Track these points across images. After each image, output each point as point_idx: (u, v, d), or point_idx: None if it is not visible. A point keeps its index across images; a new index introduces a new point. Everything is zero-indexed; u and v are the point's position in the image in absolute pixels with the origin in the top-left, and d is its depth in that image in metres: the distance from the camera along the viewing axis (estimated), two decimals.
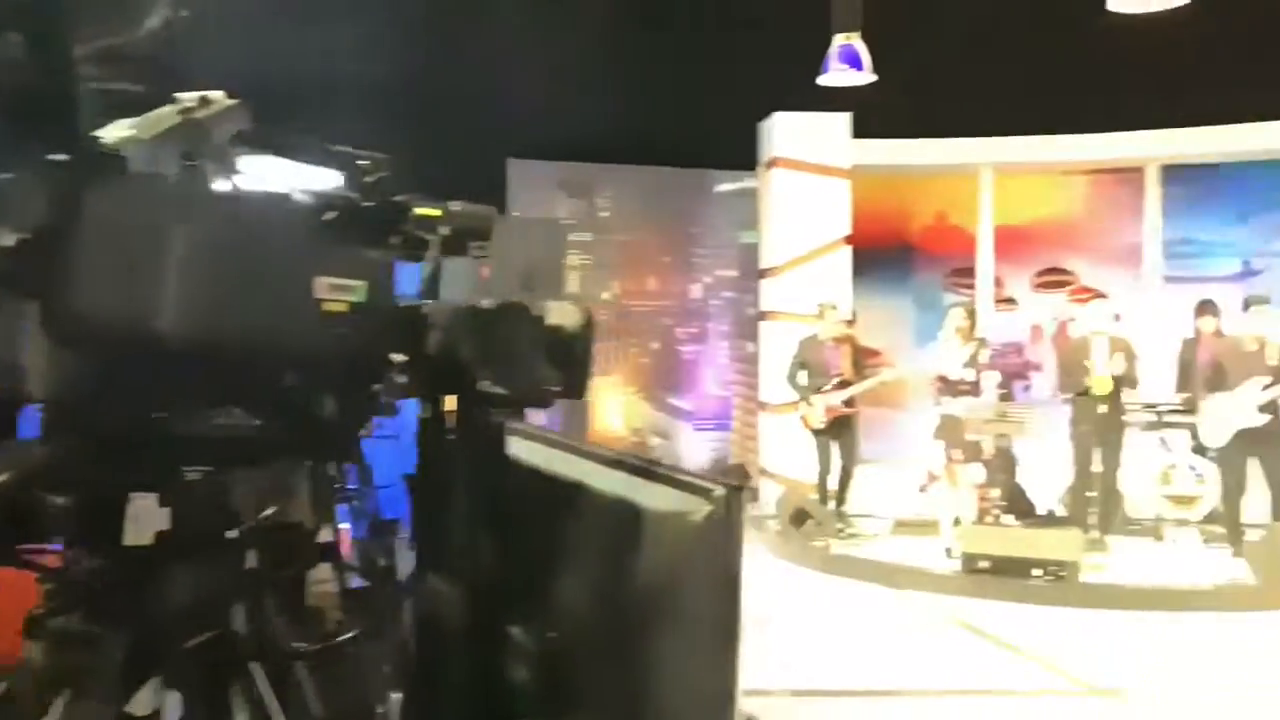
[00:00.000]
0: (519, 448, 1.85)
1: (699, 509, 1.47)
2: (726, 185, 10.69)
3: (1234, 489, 7.08)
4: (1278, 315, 7.12)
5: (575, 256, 10.39)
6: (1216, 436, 7.03)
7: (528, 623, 1.75)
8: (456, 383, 1.54)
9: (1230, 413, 6.95)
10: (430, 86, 9.04)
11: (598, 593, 1.63)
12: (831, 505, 8.14)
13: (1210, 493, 7.23)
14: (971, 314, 7.61)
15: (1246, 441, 6.93)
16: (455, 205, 1.66)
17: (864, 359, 8.44)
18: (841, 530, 8.00)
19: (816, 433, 8.20)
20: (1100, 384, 7.18)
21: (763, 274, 9.60)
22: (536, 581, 1.75)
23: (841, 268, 9.17)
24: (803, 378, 8.22)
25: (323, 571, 1.56)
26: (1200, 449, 7.59)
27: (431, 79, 9.02)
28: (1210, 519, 7.46)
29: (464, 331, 1.53)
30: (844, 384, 8.12)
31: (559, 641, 1.68)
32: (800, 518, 7.80)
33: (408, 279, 1.62)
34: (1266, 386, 6.92)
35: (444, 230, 1.62)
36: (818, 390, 8.10)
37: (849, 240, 9.21)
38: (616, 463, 1.70)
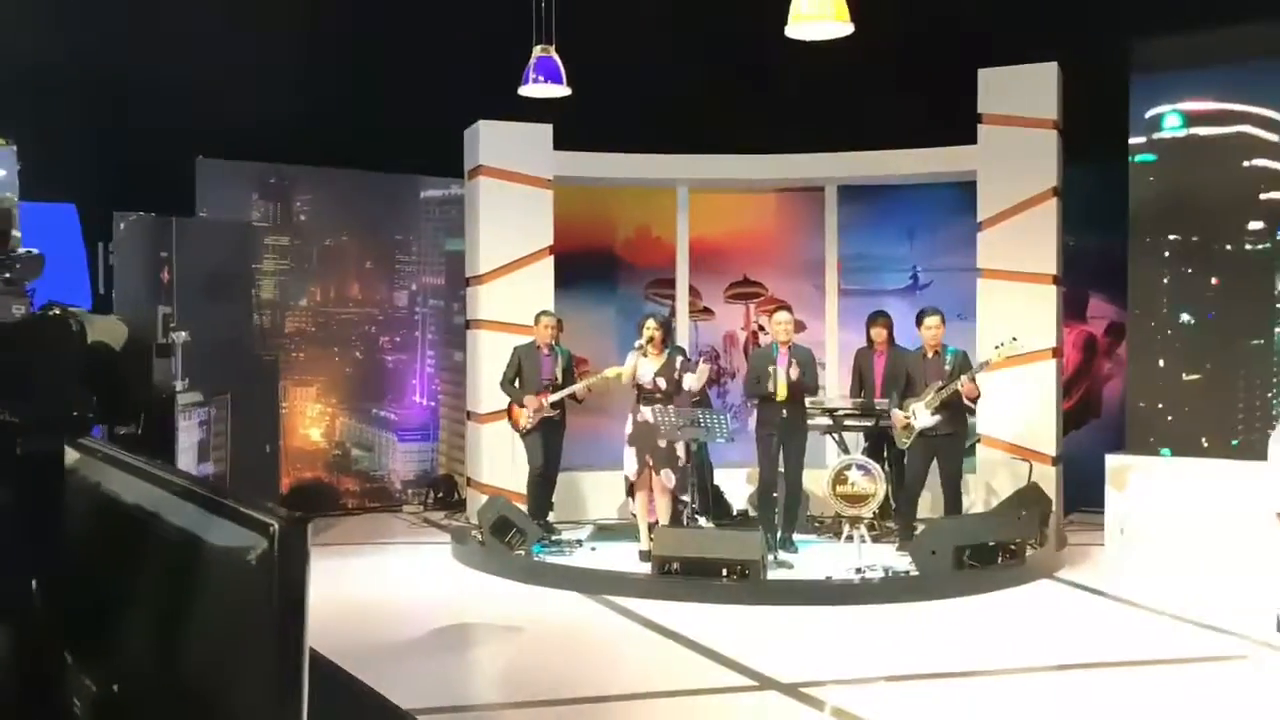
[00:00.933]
0: (91, 474, 1.62)
1: (257, 545, 1.30)
2: (433, 191, 10.47)
3: (913, 486, 7.85)
4: (949, 325, 7.96)
5: (270, 261, 9.90)
6: (903, 438, 7.75)
7: (89, 669, 1.52)
8: None
9: (914, 415, 7.65)
10: (114, 79, 8.33)
11: (159, 637, 1.43)
12: (537, 514, 8.23)
13: (881, 491, 7.75)
14: (664, 324, 7.75)
15: (926, 442, 7.65)
16: None
17: (574, 366, 8.66)
18: (544, 538, 8.02)
19: (524, 434, 8.30)
20: (781, 389, 7.49)
21: (470, 282, 9.50)
22: (100, 624, 1.53)
23: (545, 277, 9.18)
24: (517, 384, 8.29)
25: None
26: (874, 450, 8.35)
27: (116, 71, 8.32)
28: (885, 515, 8.19)
29: None
30: (554, 388, 8.23)
31: (121, 692, 1.47)
32: (503, 527, 7.71)
33: None
34: (938, 390, 7.54)
35: None
36: (533, 392, 8.17)
37: (552, 250, 9.18)
38: (187, 493, 1.49)
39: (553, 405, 8.28)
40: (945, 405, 7.60)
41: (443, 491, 10.28)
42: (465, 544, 8.05)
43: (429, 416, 10.57)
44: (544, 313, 8.50)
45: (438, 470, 10.52)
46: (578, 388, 8.31)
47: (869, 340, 8.80)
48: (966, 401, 7.66)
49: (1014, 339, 7.56)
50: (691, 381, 7.62)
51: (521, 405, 8.28)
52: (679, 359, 7.82)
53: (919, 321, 7.88)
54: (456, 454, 10.31)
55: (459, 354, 10.10)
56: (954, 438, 7.74)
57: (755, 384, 7.78)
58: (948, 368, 7.67)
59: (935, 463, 7.74)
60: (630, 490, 7.79)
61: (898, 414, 7.80)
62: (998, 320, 8.47)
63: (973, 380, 7.52)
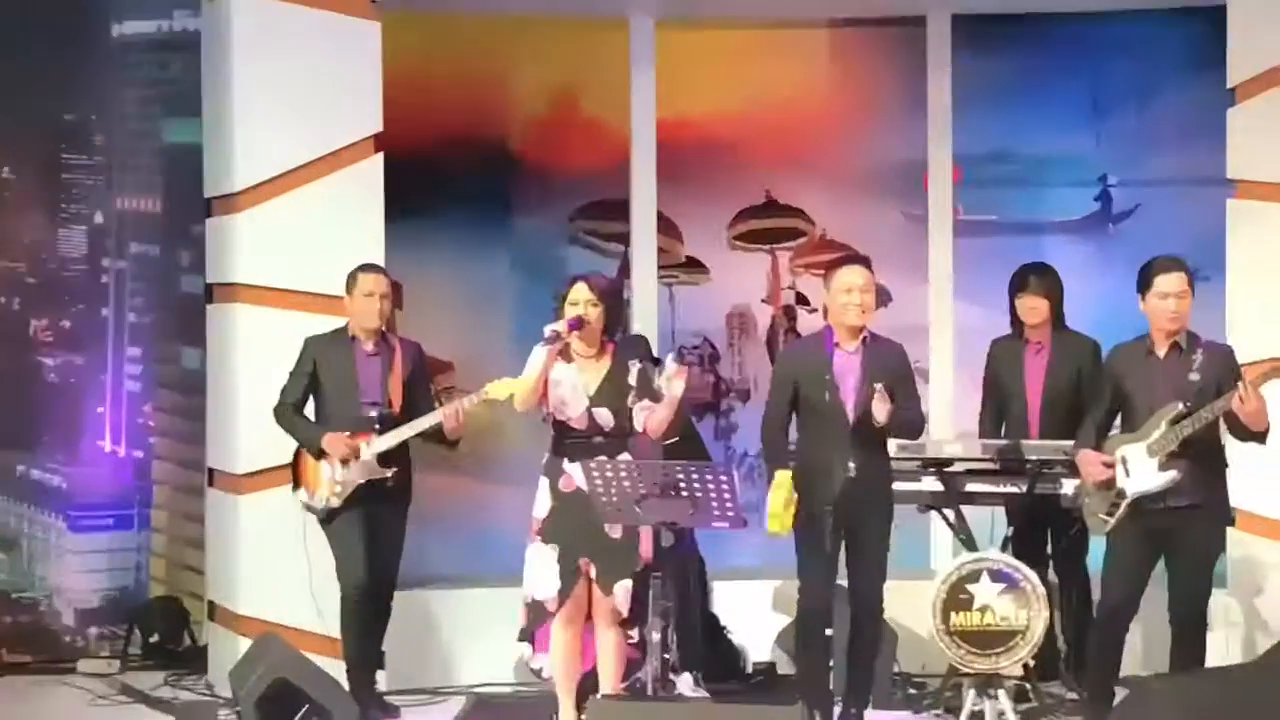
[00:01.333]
0: None
1: None
2: (138, 26, 10.50)
3: (1116, 613, 7.93)
4: None
5: None
6: (1100, 512, 7.93)
7: None
8: None
9: (1125, 468, 7.79)
10: None
11: None
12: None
13: (1041, 622, 7.87)
14: (606, 294, 7.71)
15: (1146, 524, 7.76)
16: None
17: (429, 379, 8.85)
18: None
19: (327, 516, 8.37)
20: (843, 424, 7.65)
21: (213, 209, 9.52)
22: None
23: (365, 199, 9.20)
24: (310, 414, 8.47)
25: None
26: (1028, 541, 8.58)
27: None
28: (1047, 673, 8.49)
29: None
30: (386, 422, 8.29)
31: None
32: (283, 705, 7.75)
33: None
34: (1176, 419, 7.62)
35: None
36: (346, 429, 8.29)
37: (379, 144, 9.26)
38: None
39: (382, 458, 8.26)
40: (1189, 447, 7.52)
41: (159, 632, 10.20)
42: None
43: (130, 481, 10.55)
44: (367, 269, 8.47)
45: (147, 590, 10.48)
46: (433, 420, 8.29)
47: (1015, 323, 8.88)
48: (1231, 435, 7.62)
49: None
50: (658, 413, 7.59)
51: (321, 456, 8.24)
52: (636, 367, 7.79)
53: (1143, 282, 7.82)
54: (185, 556, 10.31)
55: (190, 353, 10.08)
56: (1202, 514, 7.68)
57: (789, 418, 7.82)
58: (1194, 376, 7.58)
59: (1164, 565, 7.73)
60: (534, 628, 7.76)
61: (1091, 458, 7.77)
62: (1264, 279, 8.64)
63: (1256, 391, 7.42)
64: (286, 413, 8.44)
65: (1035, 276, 8.80)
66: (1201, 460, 7.57)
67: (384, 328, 8.45)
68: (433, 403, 8.54)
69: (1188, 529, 7.61)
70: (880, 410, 7.56)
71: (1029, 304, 8.74)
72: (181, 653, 10.02)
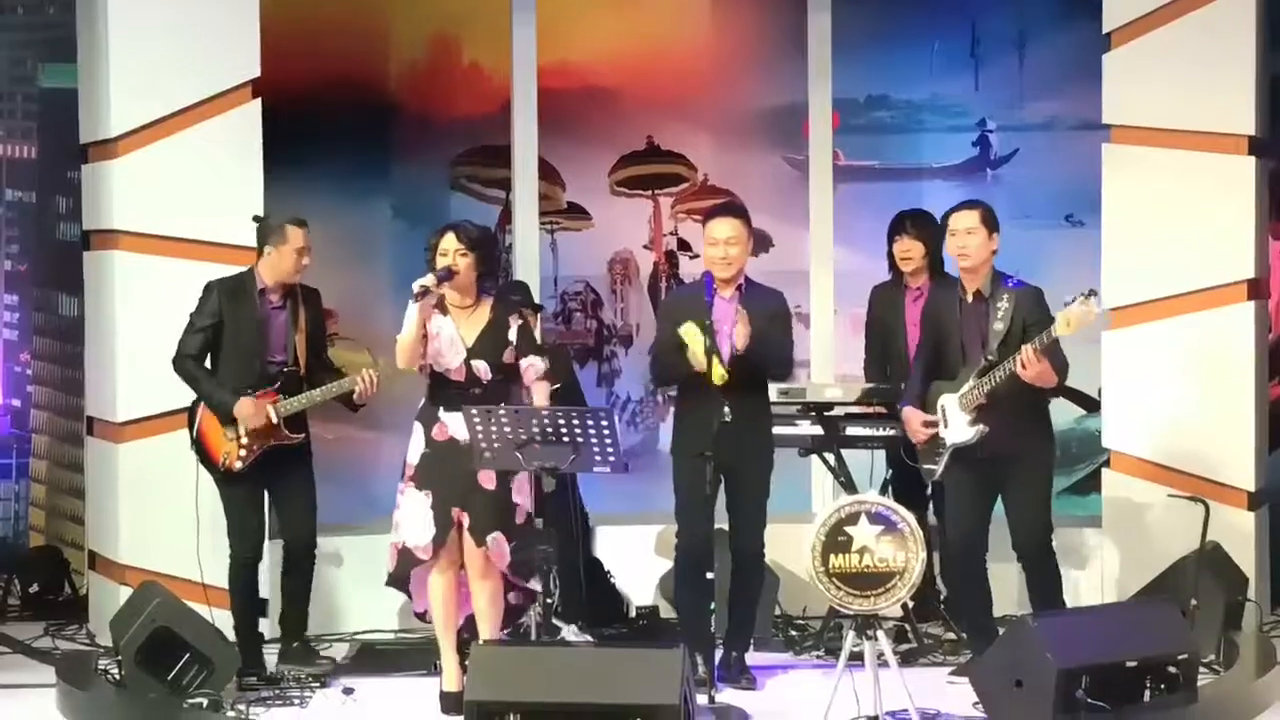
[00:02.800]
0: None
1: None
2: None
3: (967, 555, 8.10)
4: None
5: None
6: (929, 460, 8.18)
7: None
8: None
9: (943, 418, 7.91)
10: None
11: None
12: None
13: (918, 564, 7.86)
14: (479, 242, 7.64)
15: (972, 471, 7.95)
16: None
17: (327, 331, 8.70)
18: (254, 675, 8.11)
19: (228, 480, 8.22)
20: (718, 370, 7.74)
21: (89, 154, 9.43)
22: None
23: (243, 142, 9.09)
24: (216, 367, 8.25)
25: None
26: (908, 484, 8.66)
27: None
28: (927, 613, 8.65)
29: None
30: (289, 382, 8.20)
31: None
32: (164, 652, 7.70)
33: None
34: (981, 372, 7.68)
35: None
36: (246, 391, 8.11)
37: (258, 89, 9.14)
38: None
39: (289, 422, 8.15)
40: (999, 399, 7.64)
41: (38, 582, 10.18)
42: (87, 688, 7.98)
43: (7, 430, 10.60)
44: (297, 223, 8.19)
45: (26, 539, 10.46)
46: (344, 388, 8.16)
47: (893, 268, 8.97)
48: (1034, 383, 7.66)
49: (1090, 293, 7.59)
50: (535, 364, 7.65)
51: (229, 420, 8.10)
52: (518, 322, 7.78)
53: (944, 223, 8.03)
54: (65, 505, 10.27)
55: (68, 300, 10.03)
56: (1025, 462, 7.81)
57: (670, 359, 7.82)
58: (999, 325, 7.68)
59: (1003, 504, 7.89)
60: (403, 574, 7.74)
61: (913, 417, 7.90)
62: (1138, 224, 8.71)
63: (1039, 351, 7.49)
64: (190, 367, 8.16)
65: (910, 221, 8.86)
66: (1017, 409, 7.67)
67: (299, 277, 8.24)
68: (330, 359, 8.43)
69: (1011, 474, 7.77)
70: (741, 338, 7.62)
71: (903, 248, 8.79)
72: (61, 602, 9.98)
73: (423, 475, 7.60)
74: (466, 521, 7.56)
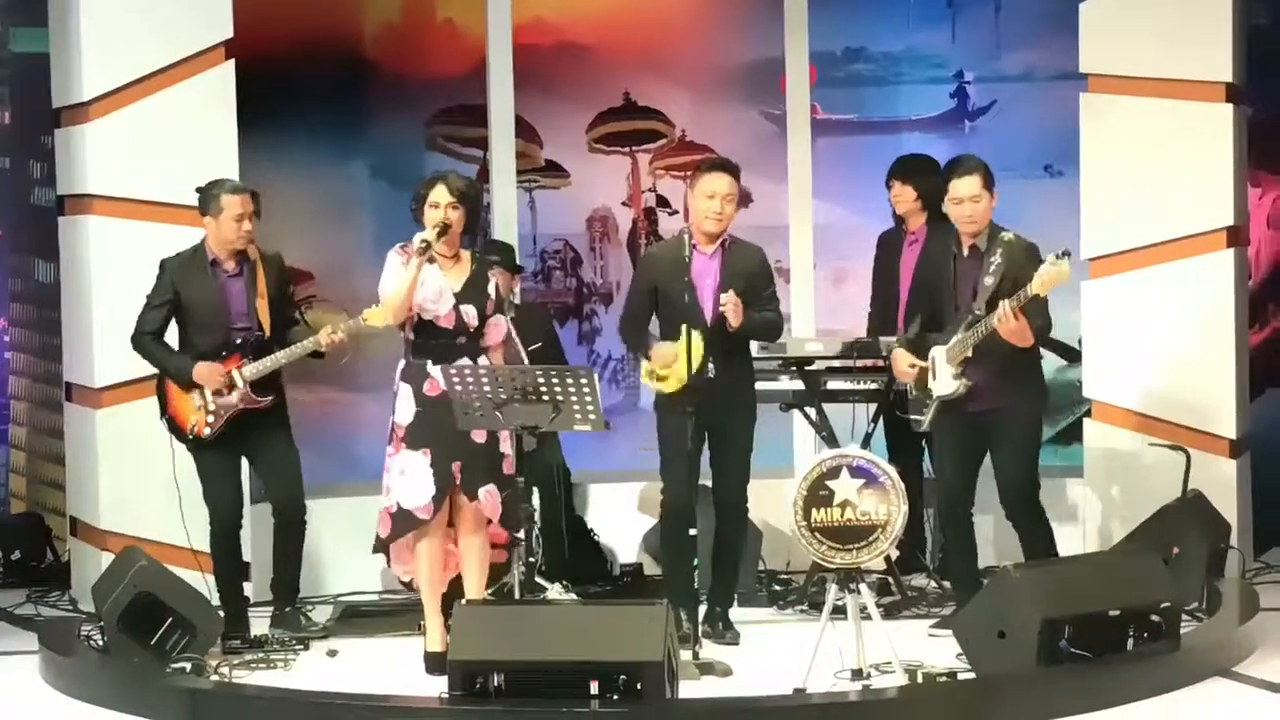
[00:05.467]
0: None
1: None
2: None
3: (954, 507, 8.21)
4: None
5: None
6: (919, 408, 8.23)
7: None
8: None
9: (933, 369, 7.96)
10: None
11: None
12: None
13: (899, 517, 7.89)
14: (464, 195, 7.64)
15: (960, 421, 8.01)
16: None
17: (294, 296, 8.72)
18: (238, 638, 8.13)
19: (200, 447, 8.21)
20: (696, 338, 7.77)
21: (62, 119, 9.39)
22: None
23: (217, 106, 9.08)
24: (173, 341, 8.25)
25: None
26: (898, 438, 8.80)
27: None
28: (910, 564, 8.79)
29: None
30: (254, 347, 8.16)
31: None
32: (147, 617, 7.68)
33: None
34: (968, 326, 7.74)
35: None
36: (215, 355, 8.10)
37: (230, 50, 9.11)
38: None
39: (256, 385, 8.11)
40: (986, 353, 7.67)
41: (20, 549, 10.17)
42: (70, 654, 7.98)
43: None
44: (231, 190, 8.17)
45: (7, 506, 10.49)
46: (307, 347, 8.13)
47: (895, 214, 9.07)
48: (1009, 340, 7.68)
49: (1065, 254, 7.59)
50: (500, 324, 7.71)
51: (191, 388, 8.09)
52: (492, 274, 7.81)
53: (946, 180, 7.99)
54: (45, 472, 10.25)
55: (44, 266, 10.02)
56: (1012, 418, 7.84)
57: (645, 317, 7.92)
58: (989, 279, 7.68)
59: (990, 460, 7.91)
60: (397, 537, 7.69)
61: (900, 359, 7.94)
62: (1117, 174, 8.74)
63: (1016, 311, 7.51)
64: (146, 343, 8.18)
65: (898, 167, 8.97)
66: (1005, 364, 7.69)
67: (247, 240, 8.19)
68: (298, 317, 8.44)
69: (998, 429, 7.80)
70: (734, 317, 7.65)
71: (895, 194, 8.91)
72: (44, 569, 9.99)
73: (417, 434, 7.58)
74: (457, 477, 7.56)
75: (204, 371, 8.04)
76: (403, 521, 7.62)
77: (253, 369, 8.09)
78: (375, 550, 7.84)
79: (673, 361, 7.70)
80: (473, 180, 8.22)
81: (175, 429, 8.23)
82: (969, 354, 7.64)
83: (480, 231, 9.10)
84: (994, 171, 7.73)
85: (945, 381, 7.74)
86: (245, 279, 8.21)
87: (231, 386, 8.07)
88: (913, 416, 8.01)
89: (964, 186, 7.76)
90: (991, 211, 7.77)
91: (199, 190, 8.24)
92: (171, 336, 8.25)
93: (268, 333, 8.18)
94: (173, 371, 8.13)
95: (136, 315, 8.24)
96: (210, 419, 8.11)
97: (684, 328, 7.57)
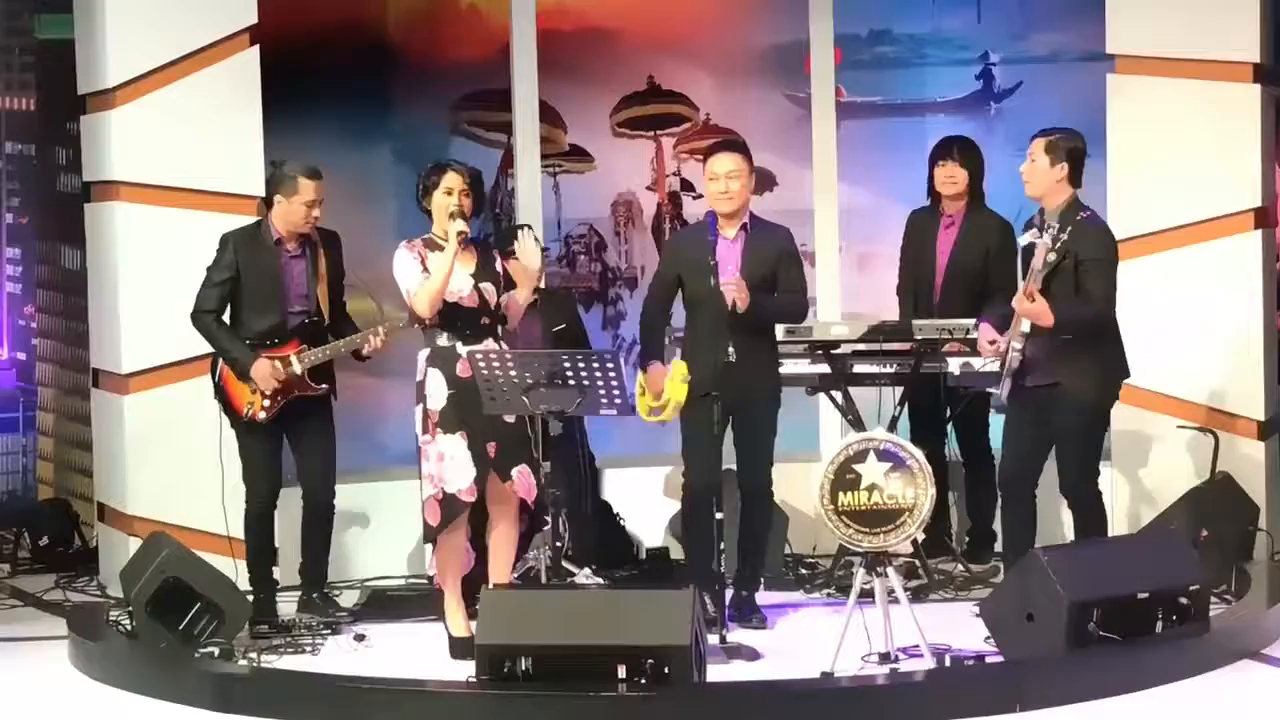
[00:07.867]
0: None
1: None
2: None
3: (1014, 484, 8.18)
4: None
5: None
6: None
7: None
8: None
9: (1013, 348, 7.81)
10: None
11: None
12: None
13: (927, 500, 7.87)
14: (475, 177, 7.77)
15: (1024, 400, 8.02)
16: None
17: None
18: (267, 623, 8.15)
19: (250, 428, 8.20)
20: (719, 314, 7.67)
21: (89, 104, 9.37)
22: None
23: (242, 90, 9.10)
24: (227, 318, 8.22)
25: None
26: (925, 418, 8.80)
27: None
28: (936, 548, 8.70)
29: None
30: (315, 327, 8.16)
31: None
32: (175, 603, 7.71)
33: None
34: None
35: None
36: (269, 342, 8.09)
37: (255, 37, 9.12)
38: None
39: (312, 373, 8.11)
40: (1038, 328, 7.62)
41: (48, 535, 10.16)
42: (98, 639, 8.00)
43: (13, 384, 10.58)
44: (310, 175, 8.10)
45: (35, 493, 10.46)
46: (362, 340, 8.13)
47: (932, 194, 9.07)
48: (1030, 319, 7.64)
49: (1050, 230, 7.57)
50: (517, 296, 7.70)
51: (247, 376, 8.06)
52: (495, 253, 7.88)
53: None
54: (72, 458, 10.25)
55: (70, 253, 10.00)
56: (1061, 391, 7.78)
57: (668, 304, 7.97)
58: (1052, 256, 7.62)
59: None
60: (448, 523, 7.62)
61: (985, 330, 7.87)
62: (1144, 155, 8.75)
63: (1032, 293, 7.48)
64: (209, 324, 8.13)
65: (957, 147, 8.97)
66: (1055, 339, 7.65)
67: (313, 223, 8.19)
68: (343, 311, 8.45)
69: (1054, 406, 7.73)
70: (739, 301, 7.63)
71: (947, 173, 8.90)
72: (72, 555, 9.99)
73: (451, 418, 7.58)
74: (494, 457, 7.59)
75: (262, 371, 7.99)
76: (451, 506, 7.61)
77: (312, 357, 8.09)
78: (426, 539, 7.83)
79: (664, 390, 7.78)
80: (473, 166, 8.22)
81: (228, 406, 8.22)
82: (1025, 329, 7.61)
83: (504, 218, 9.10)
84: (1019, 153, 7.72)
85: (1015, 355, 7.72)
86: (307, 260, 8.22)
87: (285, 379, 8.05)
88: (992, 391, 8.08)
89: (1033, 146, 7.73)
90: (1059, 185, 7.69)
91: (273, 164, 8.30)
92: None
93: (326, 319, 8.21)
94: (230, 359, 8.10)
95: (197, 291, 8.19)
96: (267, 403, 8.10)
97: (673, 364, 7.72)
